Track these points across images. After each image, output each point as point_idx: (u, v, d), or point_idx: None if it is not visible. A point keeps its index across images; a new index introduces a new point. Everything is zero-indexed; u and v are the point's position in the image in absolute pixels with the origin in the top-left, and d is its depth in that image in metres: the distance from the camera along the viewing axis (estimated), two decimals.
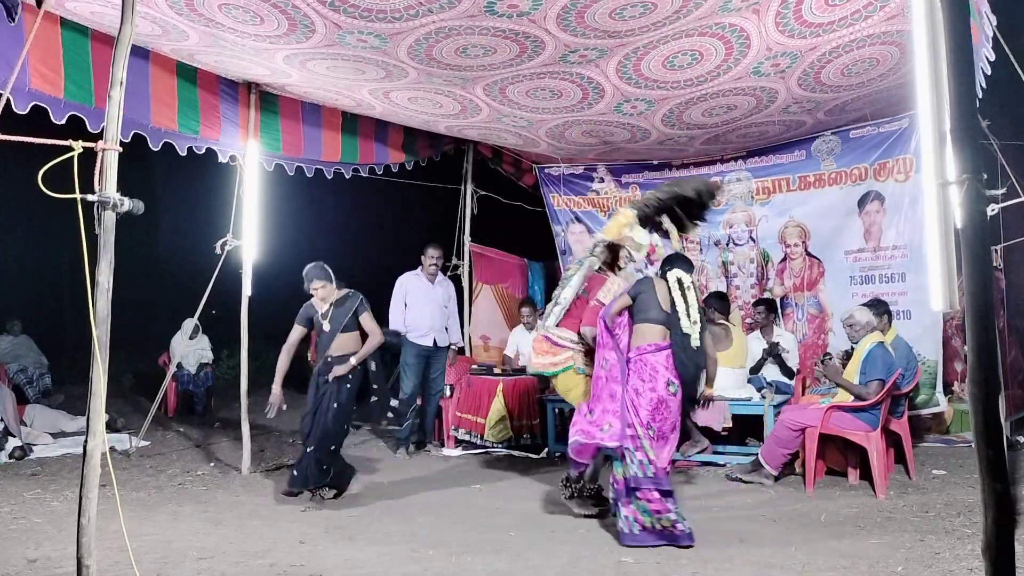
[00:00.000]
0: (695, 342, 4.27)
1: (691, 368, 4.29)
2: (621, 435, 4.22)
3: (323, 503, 5.03)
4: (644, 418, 4.16)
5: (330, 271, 5.31)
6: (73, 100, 4.86)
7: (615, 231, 4.89)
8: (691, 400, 4.42)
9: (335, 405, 5.09)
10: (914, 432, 6.13)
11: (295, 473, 5.16)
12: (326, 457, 5.09)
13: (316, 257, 5.48)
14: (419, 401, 6.86)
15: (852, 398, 5.17)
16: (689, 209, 4.85)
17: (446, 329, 7.01)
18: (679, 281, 4.35)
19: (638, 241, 4.83)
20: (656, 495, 4.07)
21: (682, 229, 4.88)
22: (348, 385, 5.17)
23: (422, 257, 6.97)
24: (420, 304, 6.84)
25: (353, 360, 5.16)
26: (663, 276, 4.47)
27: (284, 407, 5.28)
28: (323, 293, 5.26)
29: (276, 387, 5.22)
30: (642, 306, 4.36)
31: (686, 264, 4.55)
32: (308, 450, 5.10)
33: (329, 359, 5.22)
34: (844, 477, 5.34)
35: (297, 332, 5.35)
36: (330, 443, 5.11)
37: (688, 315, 4.29)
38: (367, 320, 5.26)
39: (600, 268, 5.03)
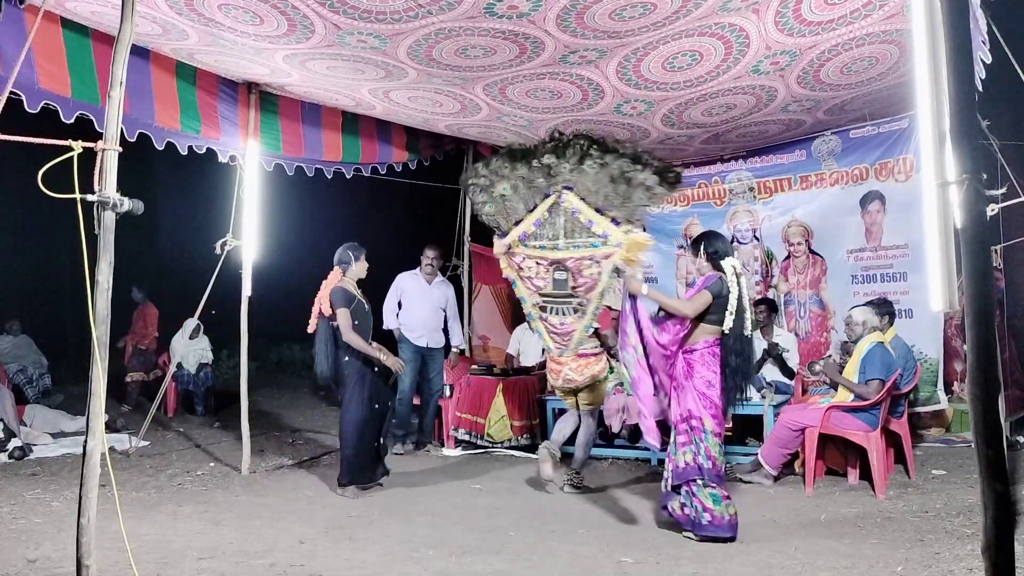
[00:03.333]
0: (748, 331, 4.29)
1: (746, 361, 4.31)
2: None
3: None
4: (715, 410, 4.18)
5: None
6: (81, 99, 4.87)
7: (635, 252, 4.60)
8: (742, 392, 4.39)
9: (391, 393, 5.49)
10: (915, 430, 6.14)
11: (361, 468, 5.26)
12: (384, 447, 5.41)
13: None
14: (416, 400, 6.87)
15: (851, 397, 5.17)
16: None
17: (444, 332, 7.01)
18: (734, 268, 4.30)
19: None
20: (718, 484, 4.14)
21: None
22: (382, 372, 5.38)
23: (421, 257, 6.97)
24: (415, 305, 6.85)
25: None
26: (715, 264, 4.32)
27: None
28: (358, 271, 5.37)
29: (384, 354, 5.30)
30: (719, 306, 4.23)
31: (725, 243, 4.49)
32: (379, 441, 5.32)
33: (374, 345, 5.29)
34: (844, 477, 5.34)
35: (350, 315, 5.18)
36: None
37: (744, 307, 4.27)
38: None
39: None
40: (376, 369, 5.29)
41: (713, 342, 4.22)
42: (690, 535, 4.14)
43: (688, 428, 4.16)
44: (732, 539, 4.05)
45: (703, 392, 4.16)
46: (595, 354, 5.21)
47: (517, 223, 4.79)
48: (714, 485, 4.10)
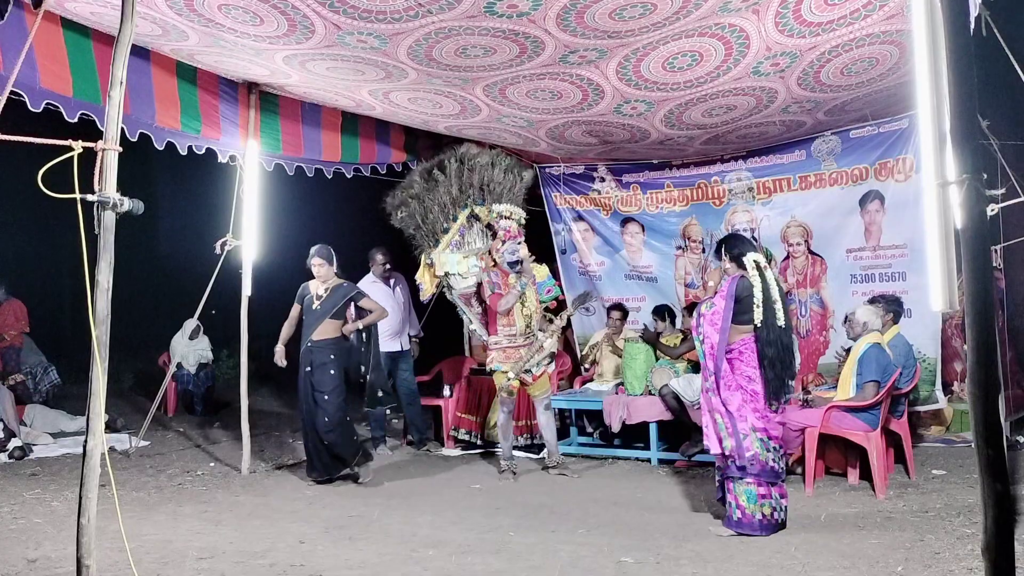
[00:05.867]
0: (781, 321, 4.30)
1: (784, 350, 4.34)
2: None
3: (371, 478, 5.54)
4: (756, 404, 4.25)
5: (333, 256, 5.68)
6: (82, 99, 4.87)
7: (428, 281, 6.07)
8: (783, 383, 4.41)
9: (325, 396, 5.44)
10: (914, 429, 6.14)
11: (312, 462, 5.57)
12: (338, 444, 5.47)
13: None
14: (387, 411, 6.90)
15: (850, 397, 5.18)
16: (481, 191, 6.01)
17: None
18: (756, 263, 4.34)
19: (453, 269, 5.92)
20: (764, 483, 4.20)
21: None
22: (332, 371, 5.49)
23: (370, 263, 6.85)
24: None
25: (360, 323, 5.74)
26: (739, 264, 4.36)
27: (285, 363, 5.75)
28: (321, 272, 5.60)
29: (280, 346, 5.75)
30: (746, 305, 4.28)
31: (746, 242, 4.56)
32: (320, 441, 5.47)
33: (310, 344, 5.54)
34: (844, 477, 5.34)
35: (296, 310, 5.77)
36: (334, 432, 5.43)
37: (772, 298, 4.29)
38: (368, 302, 5.76)
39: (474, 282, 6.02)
40: (308, 368, 5.52)
41: (749, 339, 4.29)
42: (722, 530, 4.24)
43: (732, 422, 4.23)
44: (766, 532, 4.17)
45: (743, 386, 4.26)
46: (488, 350, 6.00)
47: (437, 240, 6.02)
48: (751, 482, 4.16)
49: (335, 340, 5.62)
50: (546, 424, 5.96)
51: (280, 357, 5.74)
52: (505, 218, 6.01)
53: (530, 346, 5.82)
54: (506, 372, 5.78)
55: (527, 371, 5.81)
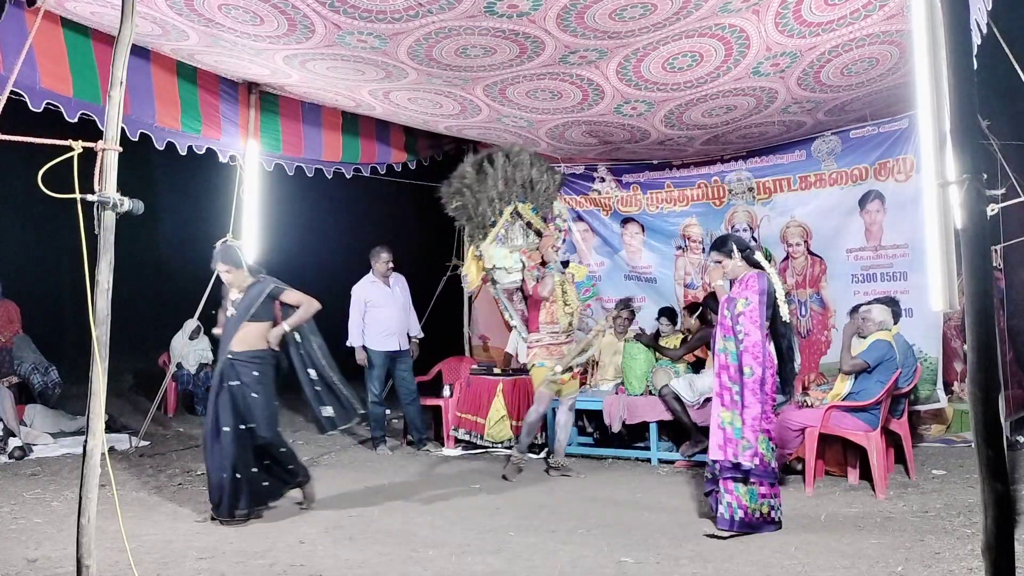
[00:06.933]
0: (786, 316, 4.32)
1: (791, 345, 4.38)
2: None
3: (312, 505, 4.86)
4: (769, 406, 4.24)
5: (240, 255, 4.70)
6: (83, 99, 4.87)
7: (475, 274, 5.88)
8: (788, 381, 4.43)
9: (255, 411, 4.57)
10: (914, 429, 6.14)
11: (235, 494, 4.50)
12: (289, 456, 4.79)
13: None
14: (387, 411, 6.87)
15: (848, 395, 5.18)
16: (528, 190, 5.85)
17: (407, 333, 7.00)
18: (767, 260, 4.39)
19: (500, 263, 5.76)
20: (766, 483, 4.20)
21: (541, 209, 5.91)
22: (256, 394, 4.57)
23: (373, 262, 6.83)
24: (383, 309, 6.74)
25: (286, 325, 4.65)
26: (751, 262, 4.37)
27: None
28: (228, 279, 4.69)
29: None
30: (769, 303, 4.27)
31: (746, 240, 4.63)
32: (236, 474, 4.48)
33: (230, 357, 4.59)
34: (844, 477, 5.34)
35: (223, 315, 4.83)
36: (280, 442, 4.76)
37: (781, 295, 4.31)
38: (292, 295, 4.71)
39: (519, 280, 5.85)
40: (231, 383, 4.56)
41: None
42: (720, 532, 4.19)
43: (758, 425, 4.16)
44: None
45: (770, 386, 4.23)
46: (529, 346, 5.84)
47: (486, 232, 5.86)
48: (755, 482, 4.15)
49: (260, 353, 4.64)
50: (564, 424, 5.91)
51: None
52: (561, 218, 6.10)
53: (571, 344, 5.77)
54: (551, 367, 5.62)
55: (568, 368, 5.70)
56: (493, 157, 5.87)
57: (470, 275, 6.02)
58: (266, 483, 4.73)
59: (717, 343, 4.36)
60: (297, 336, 4.75)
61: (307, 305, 4.71)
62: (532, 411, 5.84)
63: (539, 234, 5.95)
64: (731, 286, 4.46)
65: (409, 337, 7.03)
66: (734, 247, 4.40)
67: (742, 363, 4.20)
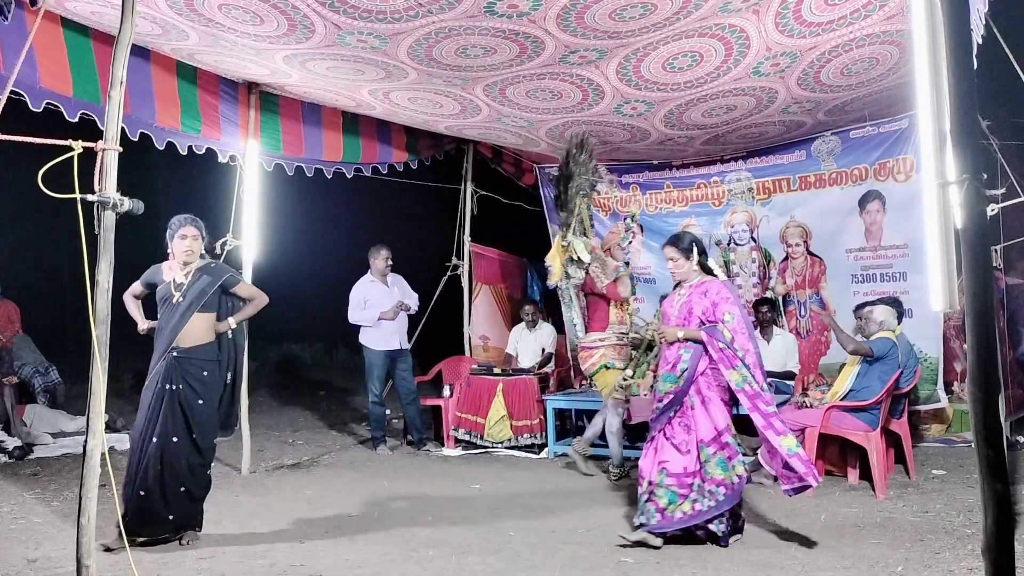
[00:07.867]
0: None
1: None
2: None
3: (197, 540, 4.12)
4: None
5: (203, 227, 4.23)
6: (83, 98, 4.87)
7: (559, 265, 5.64)
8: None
9: (201, 422, 4.06)
10: (915, 429, 6.14)
11: (138, 516, 3.93)
12: (198, 487, 4.12)
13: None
14: (387, 411, 6.85)
15: (848, 394, 5.18)
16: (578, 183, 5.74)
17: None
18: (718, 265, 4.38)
19: (584, 257, 5.57)
20: None
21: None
22: (209, 392, 4.10)
23: (372, 260, 6.84)
24: (381, 308, 6.75)
25: (233, 320, 4.20)
26: (705, 269, 4.18)
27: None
28: (195, 246, 4.12)
29: (143, 322, 4.33)
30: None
31: (700, 243, 4.43)
32: (166, 486, 3.96)
33: (176, 354, 4.02)
34: (844, 477, 5.34)
35: (138, 289, 4.30)
36: (206, 467, 4.16)
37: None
38: (245, 288, 4.35)
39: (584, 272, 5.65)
40: (174, 387, 3.98)
41: None
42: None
43: (722, 444, 3.99)
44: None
45: (725, 400, 4.06)
46: (590, 347, 5.61)
47: (569, 223, 5.71)
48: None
49: (210, 348, 4.13)
50: (616, 430, 5.67)
51: (146, 325, 4.30)
52: (633, 218, 6.26)
53: (626, 346, 5.58)
54: (623, 369, 5.26)
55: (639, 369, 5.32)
56: (584, 145, 5.65)
57: (554, 266, 5.69)
58: (165, 512, 4.01)
59: (729, 379, 3.94)
60: (230, 334, 4.25)
61: (258, 300, 4.31)
62: (610, 420, 5.55)
63: (585, 233, 5.77)
64: (675, 288, 4.29)
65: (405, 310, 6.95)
66: (694, 248, 4.13)
67: (758, 379, 3.94)
